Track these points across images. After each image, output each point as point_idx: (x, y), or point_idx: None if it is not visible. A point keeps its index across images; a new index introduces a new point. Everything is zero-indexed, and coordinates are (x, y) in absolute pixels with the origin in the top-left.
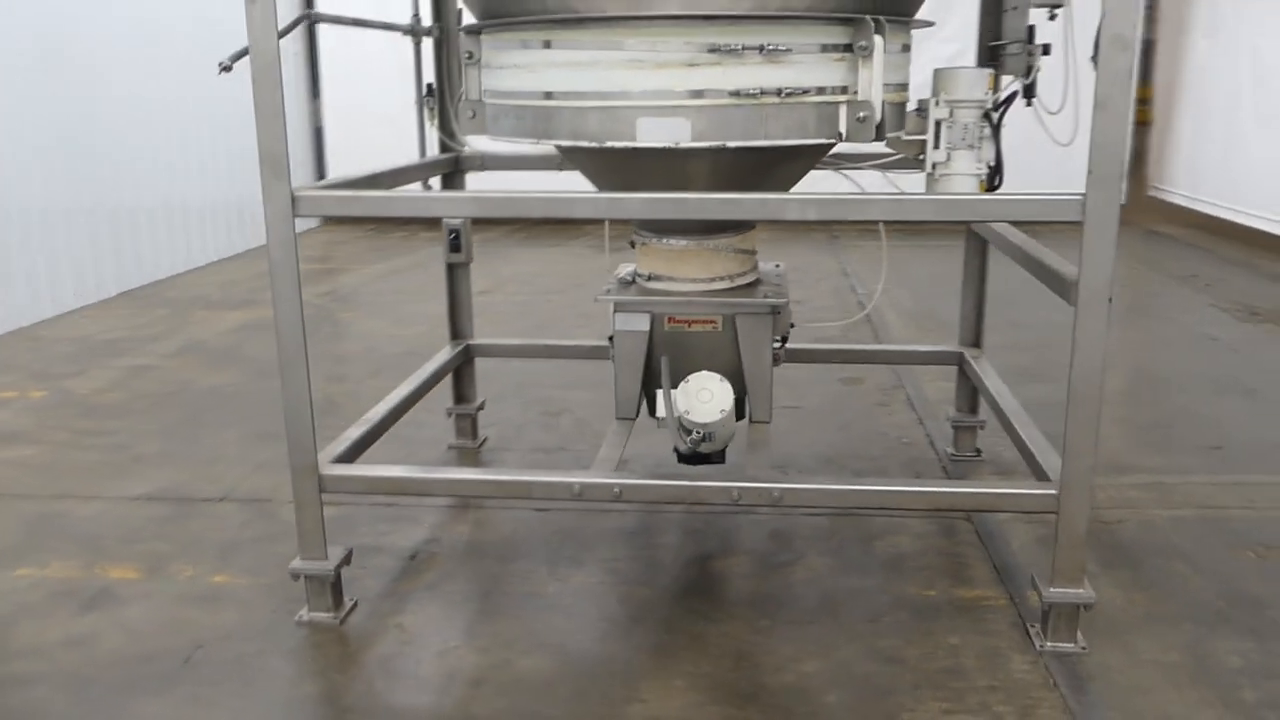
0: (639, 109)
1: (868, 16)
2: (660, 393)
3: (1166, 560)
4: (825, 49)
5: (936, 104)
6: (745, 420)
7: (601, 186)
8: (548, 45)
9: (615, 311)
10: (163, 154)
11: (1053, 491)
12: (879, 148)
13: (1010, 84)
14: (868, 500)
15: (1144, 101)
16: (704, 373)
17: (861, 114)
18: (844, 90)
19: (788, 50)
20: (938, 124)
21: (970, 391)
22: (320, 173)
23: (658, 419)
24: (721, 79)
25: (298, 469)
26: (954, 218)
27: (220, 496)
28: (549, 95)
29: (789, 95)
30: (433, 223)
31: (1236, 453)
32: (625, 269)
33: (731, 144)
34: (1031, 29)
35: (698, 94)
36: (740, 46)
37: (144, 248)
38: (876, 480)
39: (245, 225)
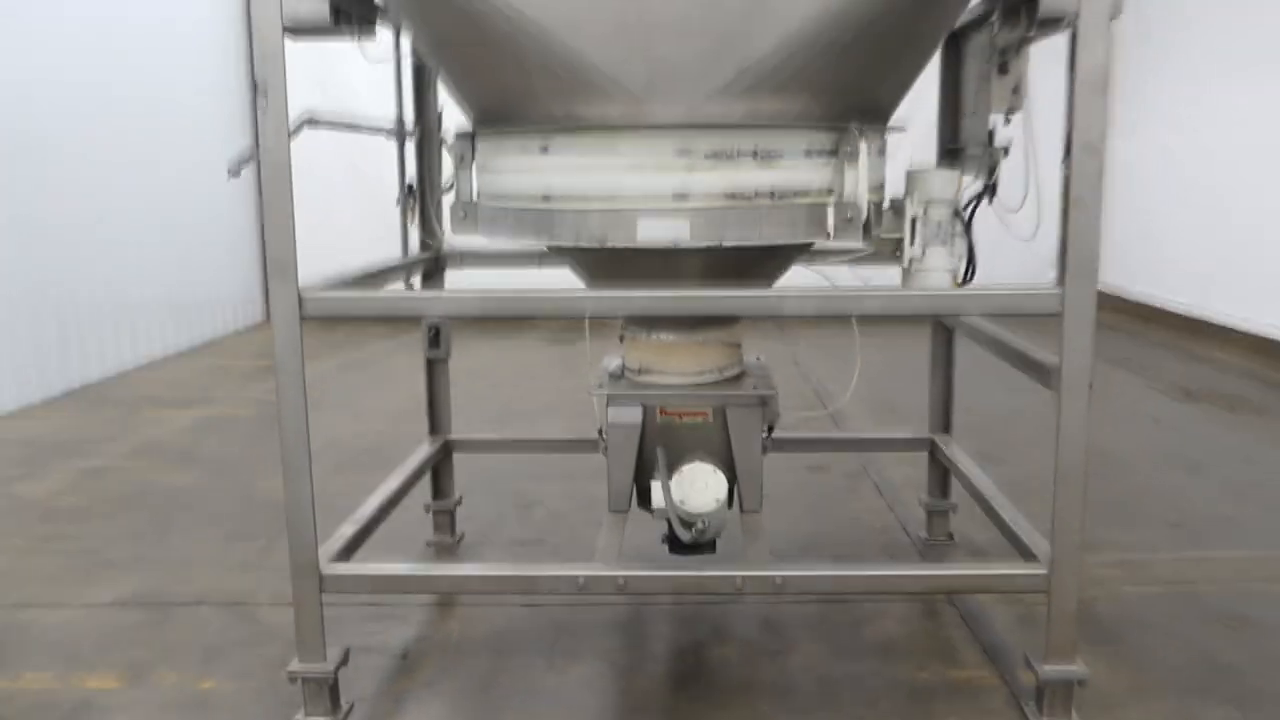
0: (639, 210)
1: (852, 124)
2: (655, 484)
3: (1143, 635)
4: (813, 153)
5: (911, 203)
6: (735, 509)
7: (592, 283)
8: (545, 150)
9: (608, 405)
10: (110, 248)
11: (1043, 571)
12: (851, 243)
13: (971, 183)
14: (868, 585)
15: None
16: (698, 463)
17: (849, 214)
18: (830, 191)
19: (779, 154)
20: (913, 222)
21: (942, 476)
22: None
23: (652, 510)
24: (718, 182)
25: (299, 568)
26: (943, 311)
27: (196, 600)
28: (547, 198)
29: (781, 197)
30: (383, 319)
31: (1194, 528)
32: (612, 363)
33: (728, 243)
34: (991, 132)
35: (696, 196)
36: (735, 151)
37: (89, 344)
38: (874, 565)
39: (190, 321)
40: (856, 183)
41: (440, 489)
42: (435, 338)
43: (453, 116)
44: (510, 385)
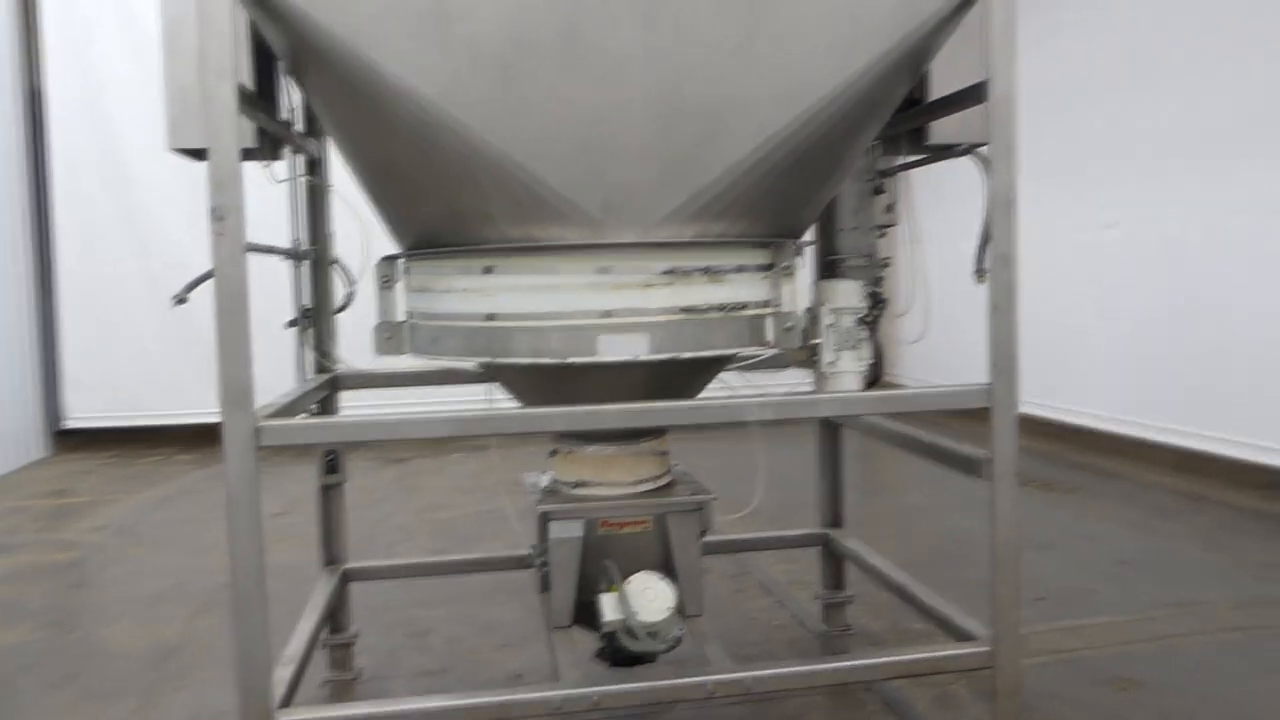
0: (599, 327)
1: (788, 241)
2: (603, 598)
3: (1049, 701)
4: (754, 269)
5: (824, 312)
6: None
7: (529, 400)
8: (489, 271)
9: (550, 520)
10: None
11: (985, 649)
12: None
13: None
14: (835, 678)
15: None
16: (643, 572)
17: (788, 324)
18: (767, 304)
19: (726, 271)
20: (827, 328)
21: (835, 570)
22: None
23: (601, 625)
24: (673, 298)
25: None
26: (890, 409)
27: None
28: (492, 316)
29: (729, 310)
30: (186, 445)
31: (1059, 601)
32: (540, 478)
33: (684, 356)
34: (873, 244)
35: (653, 312)
36: (688, 269)
37: None
38: (835, 659)
39: None
40: (794, 295)
41: (337, 623)
42: (332, 462)
43: (345, 238)
44: (362, 508)
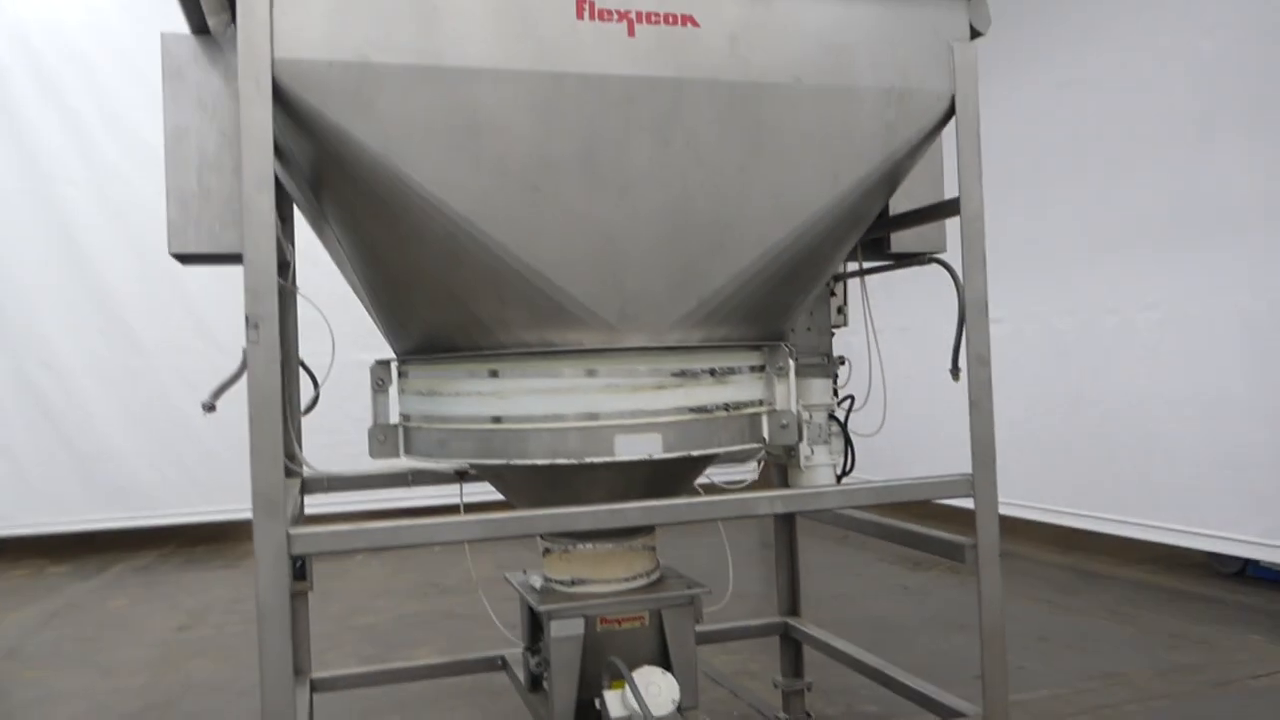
0: (616, 428)
1: (780, 343)
2: (608, 695)
3: None
4: (753, 370)
5: (801, 408)
6: None
7: (524, 500)
8: (504, 374)
9: (551, 620)
10: None
11: None
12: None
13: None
14: None
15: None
16: (645, 667)
17: (784, 421)
18: (762, 402)
19: (731, 372)
20: (804, 424)
21: (794, 657)
22: None
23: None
24: (683, 399)
25: None
26: (884, 500)
27: None
28: (499, 419)
29: (733, 409)
30: (58, 556)
31: None
32: (530, 578)
33: (695, 453)
34: (829, 344)
35: (666, 412)
36: (697, 371)
37: None
38: None
39: None
40: (788, 394)
41: None
42: (301, 569)
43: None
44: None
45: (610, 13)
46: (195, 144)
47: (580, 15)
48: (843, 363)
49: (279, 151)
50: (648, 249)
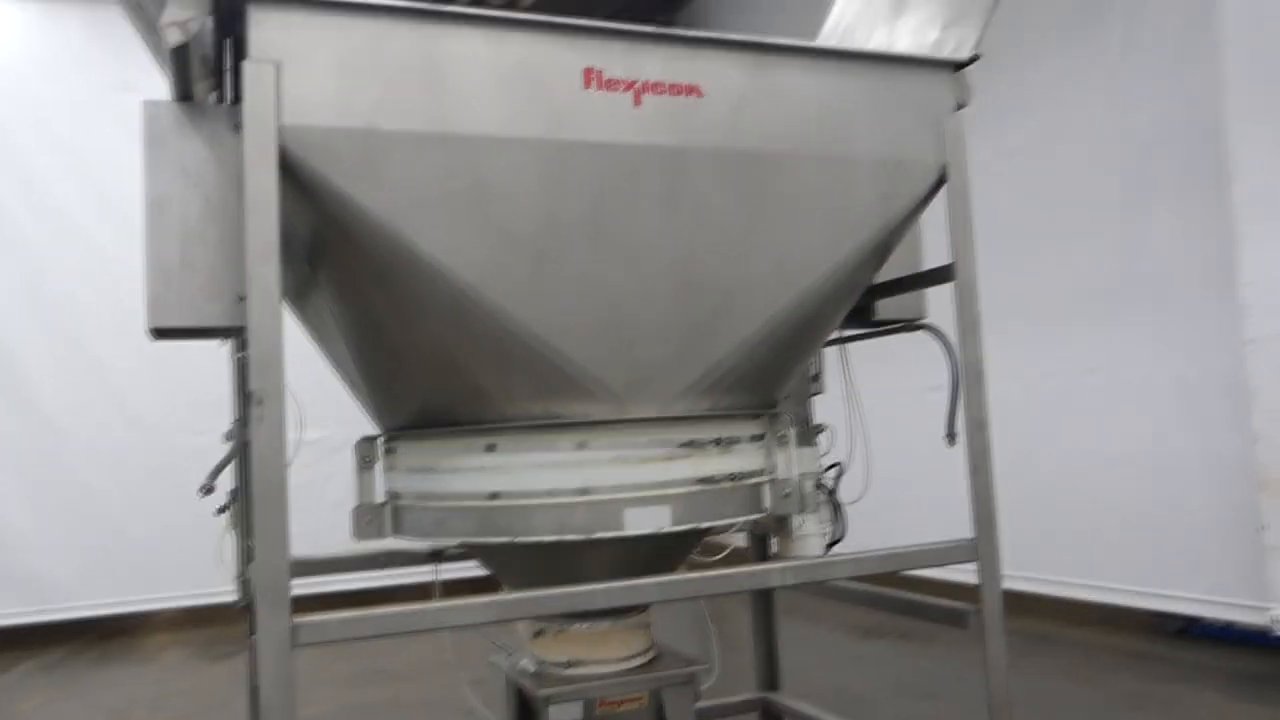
0: (624, 501)
1: (781, 411)
2: None
3: None
4: (754, 439)
5: None
6: None
7: (519, 580)
8: (487, 449)
9: (550, 704)
10: None
11: None
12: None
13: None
14: None
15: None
16: None
17: (786, 491)
18: (763, 472)
19: (735, 441)
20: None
21: None
22: None
23: None
24: (691, 470)
25: None
26: (893, 568)
27: None
28: (499, 495)
29: (737, 479)
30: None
31: None
32: (520, 660)
33: (703, 525)
34: (807, 411)
35: (674, 484)
36: (704, 441)
37: None
38: None
39: None
40: (789, 462)
41: None
42: None
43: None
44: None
45: (617, 83)
46: (178, 213)
47: (588, 85)
48: (821, 430)
49: None
50: (655, 316)
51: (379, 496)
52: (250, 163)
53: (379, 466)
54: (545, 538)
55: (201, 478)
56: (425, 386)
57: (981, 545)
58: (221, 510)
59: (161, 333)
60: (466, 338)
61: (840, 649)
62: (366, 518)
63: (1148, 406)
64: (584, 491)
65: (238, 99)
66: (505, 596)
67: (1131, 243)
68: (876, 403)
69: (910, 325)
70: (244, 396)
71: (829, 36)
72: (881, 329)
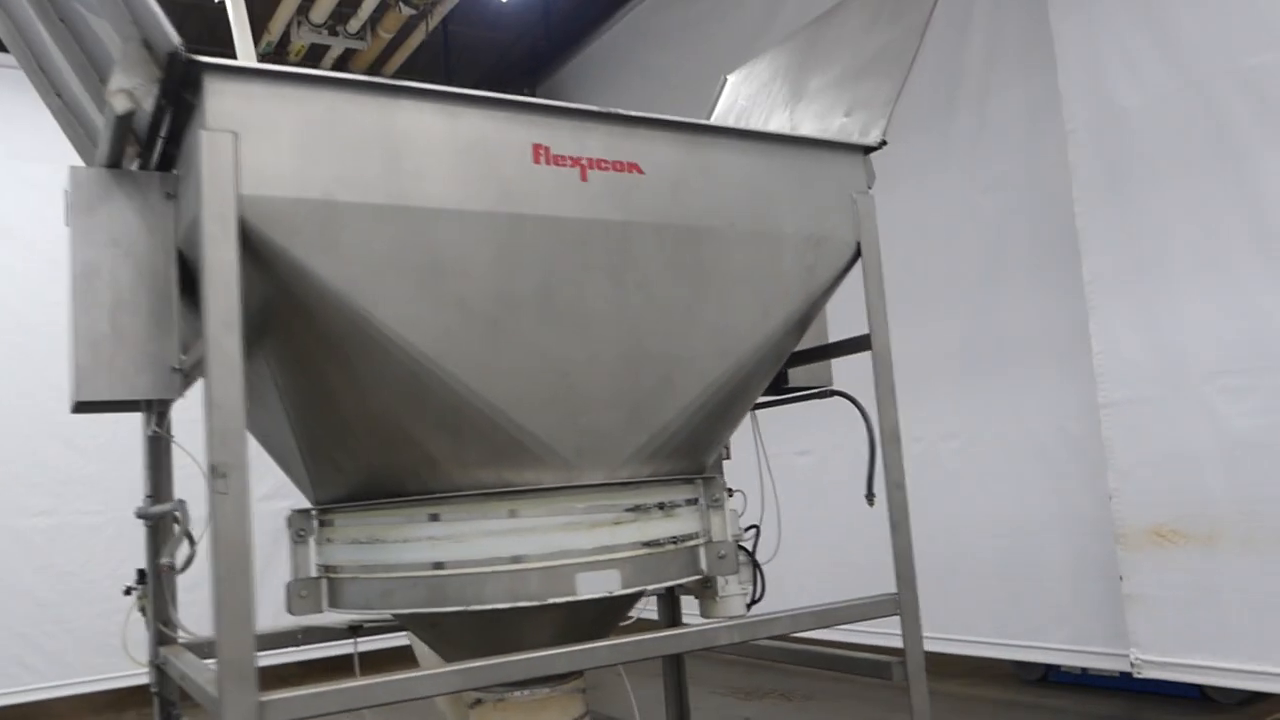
0: (576, 566)
1: (716, 475)
2: None
3: None
4: (690, 503)
5: None
6: None
7: (457, 649)
8: (435, 518)
9: None
10: None
11: None
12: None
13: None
14: None
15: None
16: None
17: (721, 552)
18: (698, 535)
19: (676, 505)
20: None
21: None
22: None
23: None
24: (637, 533)
25: None
26: (829, 623)
27: None
28: (440, 565)
29: (679, 542)
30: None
31: None
32: None
33: (650, 587)
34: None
35: (623, 547)
36: (649, 505)
37: None
38: None
39: None
40: (724, 525)
41: None
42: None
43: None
44: None
45: (564, 159)
46: (108, 282)
47: (537, 160)
48: (732, 493)
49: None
50: (603, 385)
51: (313, 570)
52: (209, 233)
53: (312, 540)
54: (499, 605)
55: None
56: (372, 456)
57: (904, 599)
58: (128, 591)
59: (85, 406)
60: (421, 407)
61: (727, 711)
62: (302, 592)
63: (1007, 467)
64: (535, 558)
65: (165, 166)
66: (469, 665)
67: (987, 313)
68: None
69: (825, 392)
70: (155, 472)
71: (724, 119)
72: (795, 396)
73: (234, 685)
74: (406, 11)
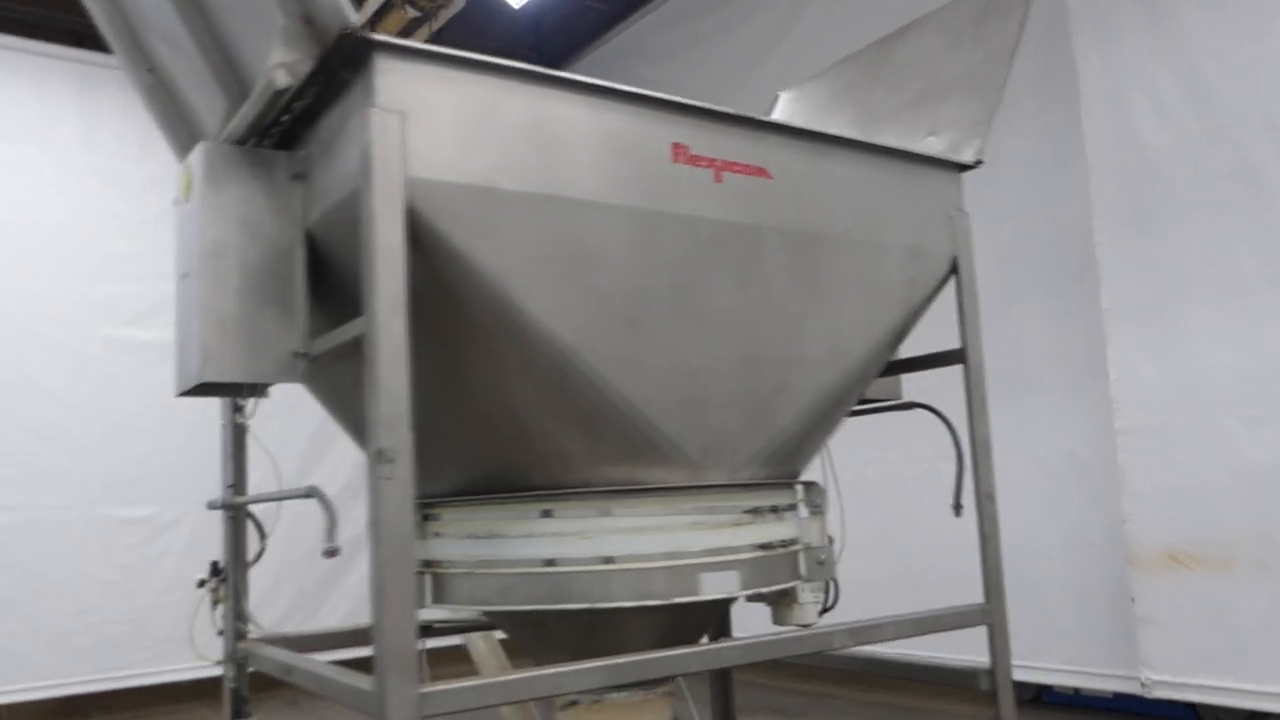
0: (701, 566)
1: (815, 482)
2: None
3: None
4: (796, 507)
5: None
6: None
7: (555, 651)
8: (548, 514)
9: None
10: None
11: None
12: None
13: None
14: None
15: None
16: None
17: (820, 557)
18: (797, 540)
19: (786, 509)
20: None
21: None
22: None
23: None
24: (753, 535)
25: None
26: (923, 631)
27: None
28: (551, 561)
29: (785, 546)
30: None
31: None
32: None
33: (766, 590)
34: None
35: (742, 549)
36: (765, 508)
37: None
38: None
39: None
40: (822, 531)
41: None
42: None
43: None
44: None
45: (701, 159)
46: (235, 263)
47: (676, 159)
48: None
49: (332, 272)
50: (727, 387)
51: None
52: (379, 214)
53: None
54: (624, 603)
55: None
56: (500, 449)
57: (994, 608)
58: (202, 584)
59: (205, 388)
60: (561, 401)
61: None
62: None
63: (1013, 488)
64: (660, 557)
65: (283, 145)
66: (616, 660)
67: (1000, 340)
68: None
69: (909, 404)
70: (236, 462)
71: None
72: (878, 407)
73: (397, 676)
74: (411, 13)
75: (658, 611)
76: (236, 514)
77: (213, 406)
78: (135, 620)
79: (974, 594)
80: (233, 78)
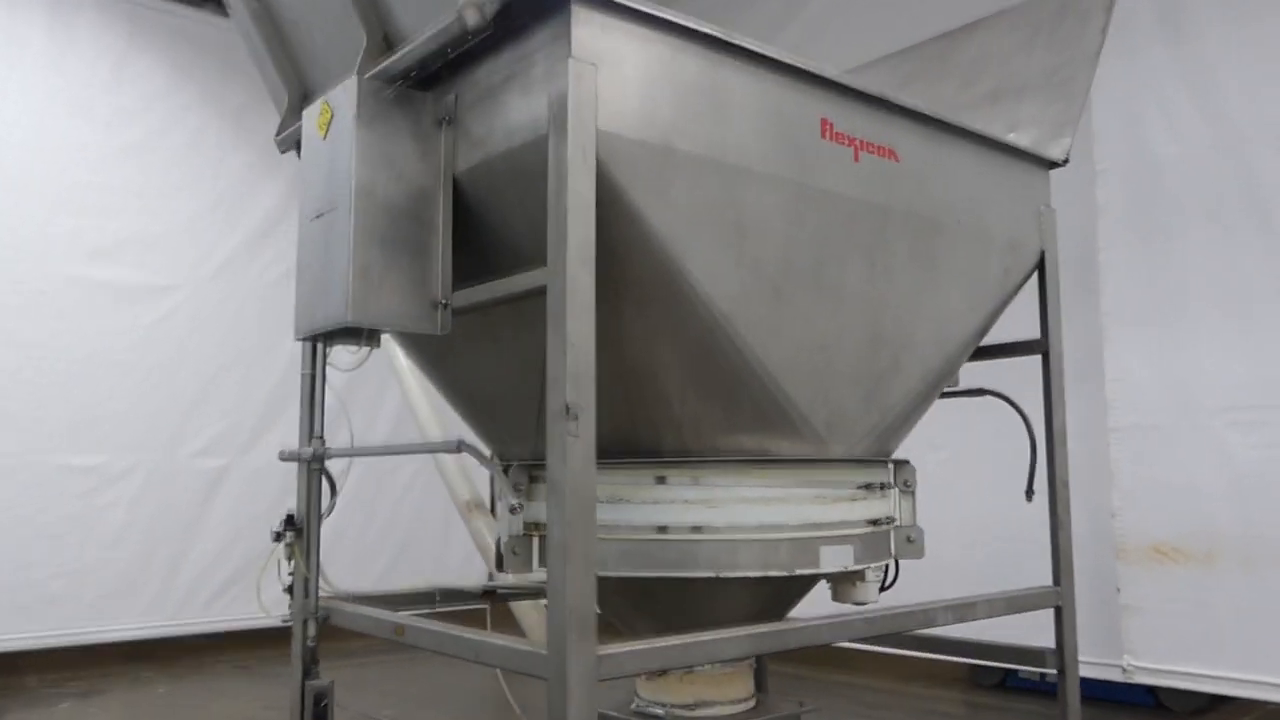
0: (820, 539)
1: (908, 461)
2: None
3: None
4: (885, 486)
5: None
6: None
7: (636, 620)
8: (662, 480)
9: None
10: None
11: None
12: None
13: None
14: None
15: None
16: None
17: (910, 536)
18: (894, 518)
19: (889, 486)
20: None
21: None
22: None
23: None
24: (864, 511)
25: None
26: (997, 614)
27: None
28: (697, 529)
29: (885, 523)
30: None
31: None
32: (643, 705)
33: (871, 566)
34: None
35: (855, 524)
36: (873, 484)
37: None
38: None
39: None
40: (913, 510)
41: None
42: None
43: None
44: None
45: (844, 136)
46: (382, 204)
47: (824, 134)
48: None
49: (467, 224)
50: (850, 363)
51: (521, 528)
52: (572, 163)
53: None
54: (750, 573)
55: None
56: (634, 410)
57: (1064, 591)
58: (278, 537)
59: (344, 333)
60: (708, 365)
61: None
62: (515, 549)
63: (987, 482)
64: (788, 528)
65: (425, 87)
66: (765, 628)
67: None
68: None
69: (983, 391)
70: (313, 412)
71: None
72: (949, 392)
73: (578, 635)
74: None
75: (764, 584)
76: (312, 468)
77: (182, 354)
78: (77, 575)
79: (973, 582)
80: (375, 15)
